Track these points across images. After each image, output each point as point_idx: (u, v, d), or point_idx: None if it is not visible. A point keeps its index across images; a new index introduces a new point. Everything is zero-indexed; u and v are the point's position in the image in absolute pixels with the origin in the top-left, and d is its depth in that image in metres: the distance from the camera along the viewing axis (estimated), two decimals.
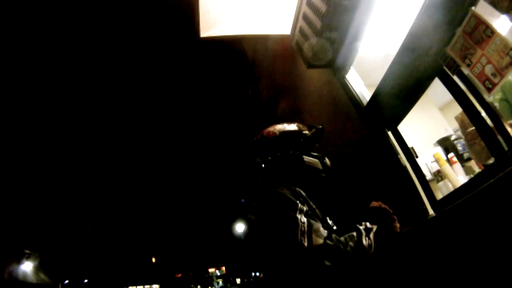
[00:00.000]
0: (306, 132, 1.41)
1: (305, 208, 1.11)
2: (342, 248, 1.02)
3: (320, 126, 1.44)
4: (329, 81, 2.76)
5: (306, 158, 1.33)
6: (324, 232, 1.06)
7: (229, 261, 32.39)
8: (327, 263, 0.99)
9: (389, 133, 2.17)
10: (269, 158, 1.36)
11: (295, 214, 1.07)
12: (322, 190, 1.39)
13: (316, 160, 1.35)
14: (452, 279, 1.57)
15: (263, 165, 1.37)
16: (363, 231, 1.12)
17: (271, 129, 1.44)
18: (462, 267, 1.51)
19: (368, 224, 1.17)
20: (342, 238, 1.08)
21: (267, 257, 1.18)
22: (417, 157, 2.04)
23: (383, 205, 1.27)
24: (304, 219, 1.06)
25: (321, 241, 1.02)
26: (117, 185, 24.50)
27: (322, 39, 2.39)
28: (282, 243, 1.05)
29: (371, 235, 1.11)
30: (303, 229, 1.03)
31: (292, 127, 1.43)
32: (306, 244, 1.00)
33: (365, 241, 1.08)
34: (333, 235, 1.07)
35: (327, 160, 1.39)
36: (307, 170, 1.32)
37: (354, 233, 1.12)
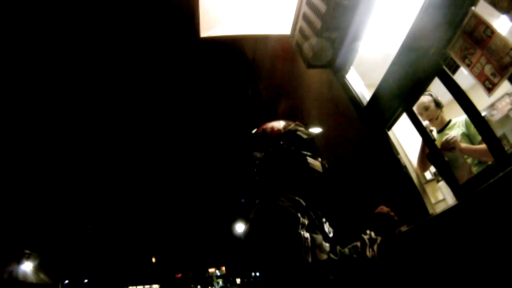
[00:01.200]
0: (306, 134, 1.38)
1: (306, 222, 1.09)
2: (346, 261, 1.03)
3: (320, 130, 1.45)
4: (329, 81, 2.75)
5: (310, 160, 1.30)
6: (327, 247, 1.05)
7: (229, 261, 32.37)
8: (331, 277, 0.99)
9: (389, 133, 2.18)
10: (263, 153, 1.30)
11: (298, 229, 1.04)
12: (320, 193, 1.36)
13: (318, 163, 1.32)
14: (452, 279, 1.57)
15: (258, 162, 1.32)
16: (367, 241, 1.11)
17: (275, 125, 1.38)
18: (462, 267, 1.51)
19: (372, 234, 1.16)
20: (346, 250, 1.07)
21: (268, 269, 1.15)
22: (433, 139, 2.03)
23: (391, 213, 1.25)
24: (307, 235, 1.04)
25: (325, 256, 1.01)
26: (117, 185, 24.50)
27: (322, 39, 2.39)
28: (285, 259, 1.03)
29: (375, 247, 1.11)
30: (306, 245, 1.01)
31: (293, 126, 1.38)
32: (310, 260, 0.99)
33: (368, 253, 1.08)
34: (338, 248, 1.06)
35: (325, 163, 1.37)
36: (309, 173, 1.29)
37: (358, 244, 1.11)
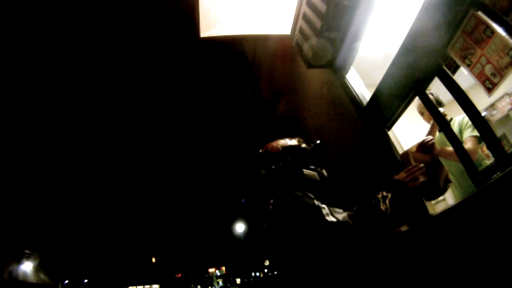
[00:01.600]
0: (306, 146, 1.56)
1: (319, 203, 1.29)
2: (363, 214, 1.24)
3: (318, 141, 1.59)
4: (329, 81, 2.75)
5: (305, 171, 1.48)
6: (341, 210, 1.26)
7: (229, 261, 32.38)
8: (357, 226, 1.20)
9: (389, 133, 2.17)
10: (272, 167, 1.52)
11: (315, 204, 1.26)
12: (322, 197, 1.48)
13: (314, 173, 1.50)
14: (452, 279, 1.57)
15: (263, 177, 1.54)
16: (380, 198, 1.31)
17: (274, 144, 1.58)
18: (462, 267, 1.51)
19: (384, 193, 1.34)
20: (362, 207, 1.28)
21: (293, 248, 1.29)
22: (448, 123, 1.97)
23: (408, 178, 1.38)
24: (324, 205, 1.26)
25: (343, 214, 1.24)
26: (117, 185, 24.50)
27: (322, 39, 2.39)
28: (312, 228, 1.21)
29: (387, 201, 1.30)
30: (326, 211, 1.23)
31: (293, 142, 1.57)
32: (335, 220, 1.20)
33: (382, 206, 1.28)
34: (354, 207, 1.27)
35: (324, 172, 1.55)
36: (307, 182, 1.47)
37: (373, 201, 1.31)
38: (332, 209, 1.27)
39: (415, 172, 1.41)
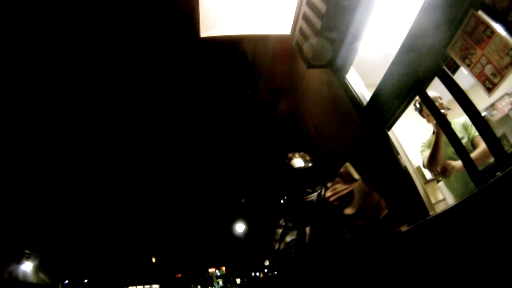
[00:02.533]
0: (309, 165, 1.70)
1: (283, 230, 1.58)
2: (288, 249, 1.49)
3: (317, 166, 1.71)
4: (329, 81, 2.75)
5: (305, 197, 1.66)
6: (294, 232, 1.51)
7: (229, 261, 32.38)
8: (284, 257, 1.48)
9: (389, 133, 2.17)
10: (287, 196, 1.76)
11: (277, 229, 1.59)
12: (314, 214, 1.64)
13: (312, 196, 1.66)
14: (452, 279, 1.56)
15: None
16: (307, 231, 1.51)
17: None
18: (462, 267, 1.51)
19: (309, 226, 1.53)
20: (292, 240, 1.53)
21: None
22: (449, 123, 1.96)
23: (333, 198, 1.52)
24: (280, 230, 1.56)
25: (289, 239, 1.50)
26: (116, 185, 24.50)
27: (322, 39, 2.39)
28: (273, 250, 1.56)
29: (308, 230, 1.51)
30: (277, 237, 1.55)
31: (300, 162, 1.72)
32: (276, 247, 1.52)
33: (306, 239, 1.48)
34: (298, 237, 1.50)
35: (324, 192, 1.65)
36: (305, 205, 1.65)
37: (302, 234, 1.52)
38: (288, 232, 1.54)
39: (340, 193, 1.52)
